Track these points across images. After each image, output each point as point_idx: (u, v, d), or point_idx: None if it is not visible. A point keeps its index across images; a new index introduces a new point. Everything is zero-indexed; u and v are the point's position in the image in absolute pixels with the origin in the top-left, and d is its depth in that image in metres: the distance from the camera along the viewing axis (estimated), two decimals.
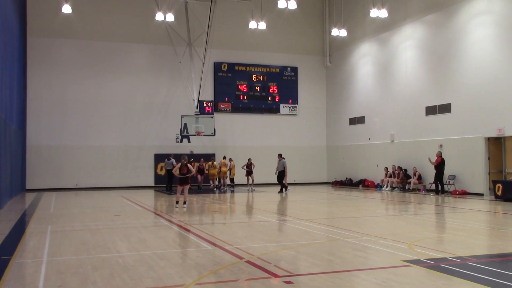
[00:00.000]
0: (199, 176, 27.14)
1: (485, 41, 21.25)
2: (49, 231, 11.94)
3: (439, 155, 22.62)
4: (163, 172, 29.45)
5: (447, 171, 22.88)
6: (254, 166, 26.32)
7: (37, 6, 28.02)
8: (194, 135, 28.89)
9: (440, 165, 22.47)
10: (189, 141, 30.26)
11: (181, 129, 28.53)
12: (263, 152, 31.01)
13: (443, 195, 22.03)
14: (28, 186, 27.29)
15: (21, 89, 25.45)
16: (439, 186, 22.44)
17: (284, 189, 24.78)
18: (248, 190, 25.76)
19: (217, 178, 27.76)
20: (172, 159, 26.68)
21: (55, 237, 11.09)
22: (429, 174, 23.88)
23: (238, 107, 31.74)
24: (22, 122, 26.02)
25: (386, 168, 26.61)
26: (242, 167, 26.46)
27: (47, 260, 8.46)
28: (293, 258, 8.52)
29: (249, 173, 26.07)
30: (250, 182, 25.96)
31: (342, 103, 32.03)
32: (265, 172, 28.69)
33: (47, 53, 28.14)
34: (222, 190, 26.45)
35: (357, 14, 30.11)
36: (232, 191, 25.83)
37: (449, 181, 22.68)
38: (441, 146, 23.35)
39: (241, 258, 8.43)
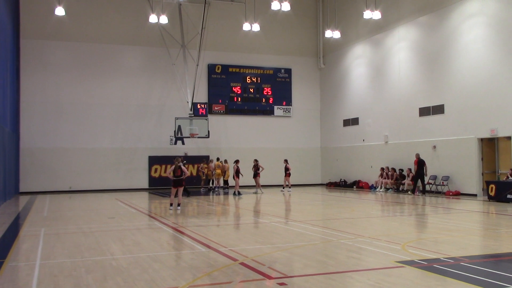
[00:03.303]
0: (237, 180, 25.02)
1: (478, 42, 21.35)
2: (43, 234, 11.89)
3: (417, 157, 23.24)
4: (157, 175, 29.49)
5: (441, 172, 23.00)
6: (262, 168, 25.70)
7: (30, 8, 27.92)
8: (188, 137, 28.86)
9: (418, 166, 23.09)
10: (183, 143, 30.20)
11: (175, 131, 28.48)
12: (257, 154, 30.97)
13: (422, 195, 22.70)
14: (21, 189, 27.16)
15: (14, 91, 25.36)
16: (422, 185, 23.13)
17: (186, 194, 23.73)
18: (254, 192, 25.65)
19: (211, 180, 27.73)
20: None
21: (48, 240, 11.04)
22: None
23: (232, 109, 31.73)
24: (16, 125, 25.92)
25: (382, 169, 26.58)
26: (253, 169, 25.91)
27: (40, 263, 8.42)
28: (287, 260, 8.52)
29: (255, 175, 25.69)
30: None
31: (336, 104, 32.09)
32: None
33: (41, 55, 28.05)
34: (215, 192, 26.41)
35: (351, 15, 30.19)
36: (226, 193, 25.80)
37: (442, 182, 22.78)
38: (434, 147, 23.45)
39: (235, 260, 8.42)
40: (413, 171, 24.15)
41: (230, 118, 31.69)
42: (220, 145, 31.07)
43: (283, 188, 27.37)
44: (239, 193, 24.35)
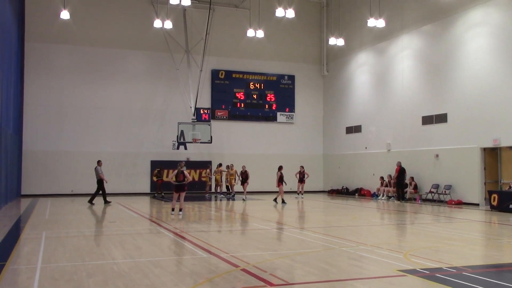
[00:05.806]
0: (281, 187, 23.34)
1: (481, 51, 21.35)
2: (44, 237, 11.87)
3: (399, 165, 24.67)
4: (155, 179, 29.50)
5: (443, 181, 22.97)
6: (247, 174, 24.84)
7: (35, 11, 28.03)
8: (191, 142, 28.88)
9: (399, 174, 24.57)
10: (185, 148, 30.23)
11: (177, 136, 28.49)
12: (260, 160, 31.03)
13: (403, 201, 24.08)
14: (23, 192, 27.17)
15: (18, 94, 25.43)
16: (400, 192, 24.55)
17: (98, 200, 22.21)
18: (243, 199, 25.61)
19: (209, 186, 27.78)
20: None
21: (49, 243, 11.03)
22: (426, 183, 23.97)
23: (235, 115, 31.75)
24: (19, 127, 25.97)
25: (382, 178, 26.59)
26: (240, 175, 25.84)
27: (41, 267, 8.41)
28: (288, 267, 8.49)
29: (242, 182, 25.40)
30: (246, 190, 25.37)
31: (339, 112, 32.09)
32: (261, 180, 28.70)
33: (45, 59, 28.12)
34: (217, 198, 26.38)
35: (355, 23, 30.23)
36: (228, 199, 25.76)
37: (444, 191, 22.73)
38: (437, 156, 23.42)
39: (236, 266, 8.39)
40: (415, 178, 24.49)
41: (233, 124, 31.70)
42: (222, 151, 31.06)
43: (300, 194, 26.74)
44: (283, 201, 22.76)
